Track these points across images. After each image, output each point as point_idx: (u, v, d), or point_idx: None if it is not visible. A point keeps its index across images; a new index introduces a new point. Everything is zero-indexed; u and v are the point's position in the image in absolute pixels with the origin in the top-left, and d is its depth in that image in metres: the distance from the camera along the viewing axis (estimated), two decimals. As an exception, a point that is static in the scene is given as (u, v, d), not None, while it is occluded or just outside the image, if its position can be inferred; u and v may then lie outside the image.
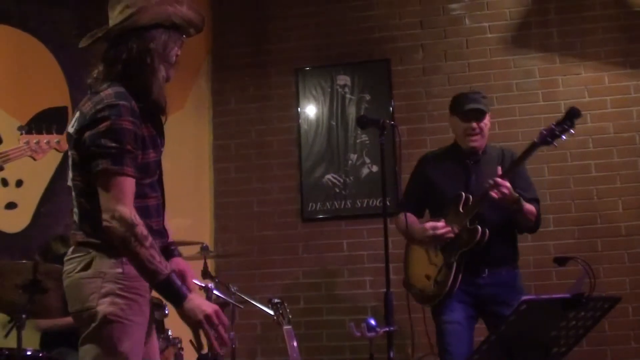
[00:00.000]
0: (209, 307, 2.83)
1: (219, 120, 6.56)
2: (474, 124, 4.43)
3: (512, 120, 6.05)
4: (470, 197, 4.33)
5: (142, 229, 2.76)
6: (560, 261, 4.73)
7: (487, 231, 4.23)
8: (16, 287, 4.08)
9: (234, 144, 6.50)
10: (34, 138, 4.33)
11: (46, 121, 5.91)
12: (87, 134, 2.83)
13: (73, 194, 3.01)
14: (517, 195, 4.27)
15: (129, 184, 2.82)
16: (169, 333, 4.82)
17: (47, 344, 5.06)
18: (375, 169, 6.18)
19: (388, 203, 4.10)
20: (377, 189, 5.98)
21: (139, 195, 2.89)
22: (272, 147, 6.40)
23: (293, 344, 4.61)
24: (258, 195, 6.39)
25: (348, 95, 6.36)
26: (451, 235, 4.31)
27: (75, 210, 3.00)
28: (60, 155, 5.97)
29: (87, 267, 2.86)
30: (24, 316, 4.09)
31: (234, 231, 6.38)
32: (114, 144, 2.79)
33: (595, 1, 6.20)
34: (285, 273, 6.20)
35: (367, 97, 6.33)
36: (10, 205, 5.76)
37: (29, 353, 4.43)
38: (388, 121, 4.06)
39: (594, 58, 6.12)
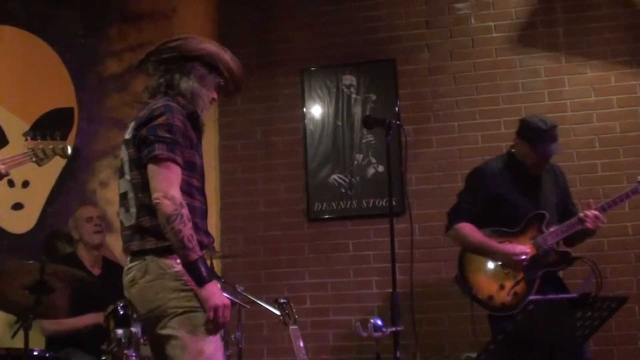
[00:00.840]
0: (220, 300, 3.11)
1: (225, 120, 6.56)
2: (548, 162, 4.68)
3: (517, 120, 6.04)
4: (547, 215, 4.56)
5: (187, 212, 3.09)
6: (568, 261, 4.77)
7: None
8: (23, 287, 4.09)
9: (239, 145, 6.50)
10: (39, 144, 4.36)
11: (52, 122, 5.95)
12: (144, 128, 3.19)
13: (130, 194, 3.25)
14: None
15: (178, 171, 3.17)
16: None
17: (53, 344, 5.07)
18: (381, 169, 6.17)
19: (394, 203, 4.10)
20: (383, 189, 5.99)
21: (187, 192, 3.22)
22: (278, 148, 6.39)
23: (299, 344, 4.61)
24: (264, 196, 6.39)
25: (354, 95, 6.35)
26: (525, 264, 4.49)
27: (132, 210, 3.24)
28: (66, 157, 5.98)
29: (146, 272, 3.17)
30: (31, 317, 4.10)
31: (240, 231, 6.38)
32: (168, 135, 3.16)
33: (601, 0, 6.19)
34: (291, 273, 6.20)
35: (373, 97, 6.32)
36: (17, 206, 5.77)
37: (35, 353, 4.45)
38: (394, 121, 4.06)
39: (600, 57, 6.11)
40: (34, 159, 4.34)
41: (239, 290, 5.06)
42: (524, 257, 4.47)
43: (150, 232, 3.17)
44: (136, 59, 6.25)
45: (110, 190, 6.21)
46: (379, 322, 3.57)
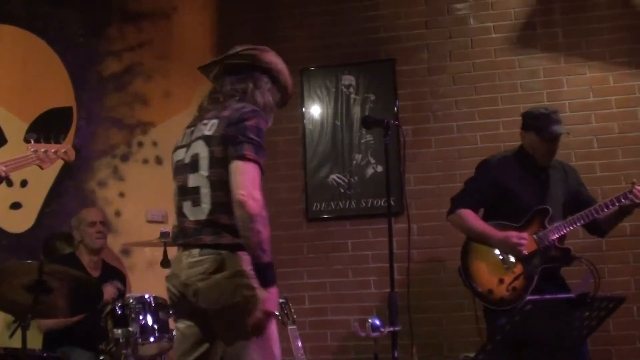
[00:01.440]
0: (273, 308, 3.29)
1: (224, 120, 6.56)
2: (556, 147, 4.65)
3: (518, 120, 5.98)
4: (551, 210, 4.55)
5: (266, 215, 3.23)
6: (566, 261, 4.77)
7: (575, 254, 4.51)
8: (21, 287, 4.09)
9: (238, 144, 6.50)
10: (42, 147, 4.37)
11: (51, 122, 5.96)
12: (233, 128, 3.31)
13: (205, 190, 3.34)
14: None
15: (260, 174, 3.31)
16: (174, 333, 4.82)
17: (50, 343, 5.07)
18: (380, 169, 6.17)
19: (392, 203, 4.11)
20: (381, 189, 5.98)
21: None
22: (277, 147, 6.39)
23: (298, 344, 4.61)
24: (263, 196, 6.37)
25: (353, 95, 6.35)
26: (525, 253, 4.49)
27: (204, 205, 3.33)
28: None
29: (222, 267, 3.24)
30: (29, 316, 4.10)
31: (238, 231, 6.37)
32: (256, 138, 3.31)
33: (600, 1, 6.20)
34: (290, 273, 6.19)
35: (372, 97, 6.32)
36: (15, 206, 5.78)
37: (33, 353, 4.45)
38: (392, 121, 4.06)
39: (598, 58, 6.11)
40: (37, 162, 4.34)
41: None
42: (522, 242, 4.47)
43: (226, 229, 3.26)
44: (136, 59, 6.31)
45: (108, 190, 6.21)
46: (377, 322, 3.57)
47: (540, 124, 4.61)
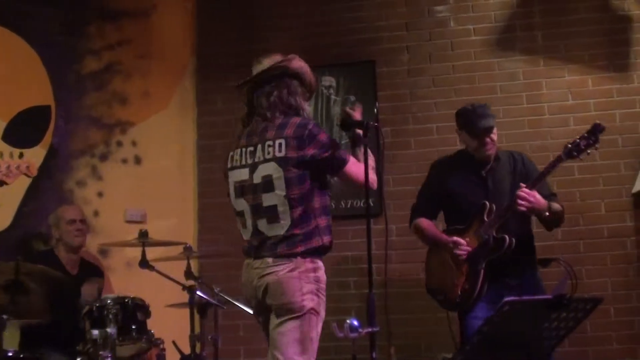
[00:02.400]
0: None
1: (204, 120, 6.54)
2: (488, 140, 4.56)
3: (497, 122, 6.03)
4: (494, 206, 4.48)
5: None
6: (543, 262, 4.79)
7: (514, 240, 4.37)
8: (-2, 287, 4.06)
9: (219, 144, 6.45)
10: (4, 163, 4.37)
11: (29, 120, 5.92)
12: (312, 150, 3.64)
13: (282, 208, 3.66)
14: (546, 202, 4.42)
15: (357, 162, 3.83)
16: (152, 334, 4.81)
17: (28, 344, 5.03)
18: (359, 170, 6.16)
19: (371, 204, 4.11)
20: (360, 190, 5.90)
21: (324, 210, 3.82)
22: (257, 148, 6.37)
23: (276, 345, 4.58)
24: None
25: (333, 96, 6.35)
26: (464, 255, 4.49)
27: (283, 222, 3.66)
28: (42, 155, 5.97)
29: (292, 270, 3.63)
30: (4, 317, 4.07)
31: (218, 232, 6.34)
32: (333, 142, 3.73)
33: (579, 5, 6.23)
34: (269, 274, 6.18)
35: (352, 98, 6.33)
36: (-8, 205, 5.74)
37: (10, 354, 4.41)
38: (372, 122, 4.06)
39: (578, 61, 6.14)
40: (2, 177, 4.34)
41: (215, 290, 5.04)
42: (459, 249, 4.48)
43: (300, 239, 3.65)
44: (115, 57, 6.28)
45: (87, 190, 6.18)
46: (355, 323, 3.57)
47: (467, 120, 4.61)
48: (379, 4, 6.48)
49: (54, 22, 6.24)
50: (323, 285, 3.78)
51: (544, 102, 6.12)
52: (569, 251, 5.59)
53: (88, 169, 6.22)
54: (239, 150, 3.86)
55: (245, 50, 6.56)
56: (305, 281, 3.64)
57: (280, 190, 3.65)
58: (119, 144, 6.31)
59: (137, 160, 6.29)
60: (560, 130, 6.04)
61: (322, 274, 3.77)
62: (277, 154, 3.66)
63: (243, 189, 3.80)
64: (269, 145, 3.69)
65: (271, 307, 3.70)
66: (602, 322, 5.67)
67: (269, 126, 3.74)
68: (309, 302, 3.66)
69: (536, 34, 6.24)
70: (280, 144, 3.66)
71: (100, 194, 6.21)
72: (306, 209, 3.66)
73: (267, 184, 3.68)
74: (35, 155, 5.98)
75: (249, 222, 3.80)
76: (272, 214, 3.68)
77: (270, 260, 3.67)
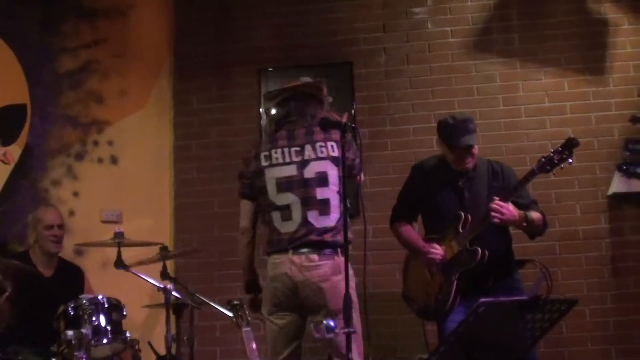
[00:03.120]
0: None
1: (180, 120, 6.51)
2: (467, 156, 4.53)
3: (473, 124, 6.10)
4: (469, 217, 4.45)
5: None
6: (519, 264, 4.80)
7: (487, 252, 4.33)
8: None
9: (195, 144, 6.46)
10: None
11: (4, 118, 5.88)
12: (350, 155, 4.21)
13: (334, 202, 4.12)
14: (522, 213, 4.40)
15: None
16: (127, 334, 4.77)
17: (1, 344, 4.99)
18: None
19: (348, 205, 4.09)
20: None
21: None
22: (234, 148, 6.35)
23: (252, 346, 4.57)
24: (219, 196, 6.34)
25: (310, 97, 6.34)
26: (438, 265, 4.49)
27: (333, 215, 4.10)
28: (18, 154, 5.92)
29: (338, 271, 4.01)
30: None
31: (194, 232, 6.33)
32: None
33: (556, 8, 6.27)
34: (245, 274, 6.17)
35: (329, 99, 6.31)
36: (-34, 205, 5.70)
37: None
38: (349, 123, 4.06)
39: (554, 64, 6.18)
40: None
41: (191, 291, 5.02)
42: (433, 256, 4.48)
43: (340, 231, 3.99)
44: (92, 56, 6.25)
45: (62, 189, 6.14)
46: (332, 324, 3.56)
47: (447, 133, 4.55)
48: (357, 5, 6.49)
49: (30, 20, 6.20)
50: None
51: (521, 105, 6.15)
52: (545, 253, 5.62)
53: (64, 168, 6.18)
54: (279, 149, 4.20)
55: (222, 50, 6.55)
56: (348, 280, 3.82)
57: (334, 186, 4.11)
58: (95, 143, 6.27)
59: (113, 160, 6.25)
60: (537, 132, 6.08)
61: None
62: (332, 154, 4.15)
63: (290, 183, 4.15)
64: (320, 146, 4.16)
65: (320, 307, 4.06)
66: (577, 323, 5.71)
67: (313, 131, 4.20)
68: (355, 297, 3.92)
69: (513, 37, 6.27)
70: (332, 146, 4.15)
71: (75, 194, 6.17)
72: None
73: (322, 179, 4.12)
74: (11, 154, 5.95)
75: (297, 214, 4.11)
76: (324, 206, 4.09)
77: (314, 256, 4.07)
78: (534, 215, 4.50)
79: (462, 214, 4.47)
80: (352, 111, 6.27)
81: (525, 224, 4.44)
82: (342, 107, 6.28)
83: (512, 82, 6.20)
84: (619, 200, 5.94)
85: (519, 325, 3.34)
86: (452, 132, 4.52)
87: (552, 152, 4.28)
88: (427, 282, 4.56)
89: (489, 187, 4.58)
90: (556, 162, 4.27)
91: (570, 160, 4.28)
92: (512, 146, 6.01)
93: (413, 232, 4.77)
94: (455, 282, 4.40)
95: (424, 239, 4.69)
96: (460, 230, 4.45)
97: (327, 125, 4.19)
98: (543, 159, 4.29)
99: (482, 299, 3.21)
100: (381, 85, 6.35)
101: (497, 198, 4.34)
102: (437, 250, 4.50)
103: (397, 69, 6.36)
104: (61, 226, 5.51)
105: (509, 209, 4.33)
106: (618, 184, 5.87)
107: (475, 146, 4.56)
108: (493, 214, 4.30)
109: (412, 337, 5.72)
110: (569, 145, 4.26)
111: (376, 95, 6.33)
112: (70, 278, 5.55)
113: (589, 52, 6.17)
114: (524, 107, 6.15)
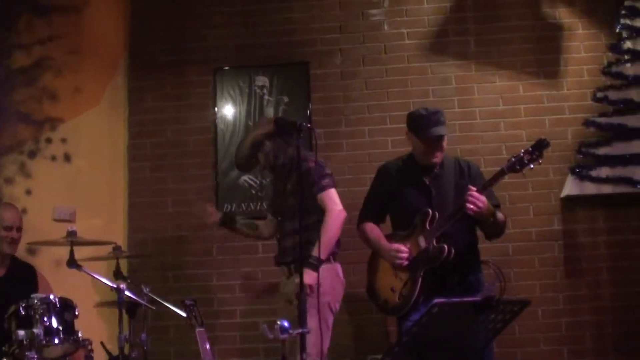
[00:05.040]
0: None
1: (135, 118, 6.45)
2: (437, 147, 4.53)
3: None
4: (436, 213, 4.44)
5: None
6: (473, 264, 4.82)
7: (452, 250, 4.34)
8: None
9: (149, 143, 6.41)
10: None
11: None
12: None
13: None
14: (492, 209, 4.42)
15: None
16: (79, 335, 4.72)
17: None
18: (292, 171, 6.16)
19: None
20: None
21: None
22: (189, 147, 6.33)
23: (206, 347, 4.55)
24: (173, 195, 6.31)
25: (266, 97, 6.33)
26: (404, 263, 4.46)
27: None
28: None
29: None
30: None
31: (148, 231, 6.28)
32: None
33: (512, 12, 6.33)
34: (199, 275, 6.15)
35: (285, 99, 6.32)
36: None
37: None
38: (305, 124, 4.06)
39: (509, 67, 6.24)
40: None
41: (145, 291, 4.97)
42: (399, 254, 4.47)
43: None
44: (46, 53, 6.19)
45: (15, 187, 6.07)
46: (286, 324, 3.56)
47: (419, 125, 4.55)
48: (314, 6, 6.49)
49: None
50: None
51: (475, 107, 6.20)
52: (498, 254, 5.66)
53: (16, 166, 6.10)
54: None
55: (178, 48, 6.51)
56: None
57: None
58: (49, 140, 6.20)
59: (67, 158, 6.19)
60: (491, 134, 6.13)
61: None
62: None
63: None
64: None
65: None
66: (530, 324, 5.77)
67: None
68: None
69: (469, 40, 6.32)
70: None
71: (28, 192, 6.10)
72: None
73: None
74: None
75: None
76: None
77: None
78: (500, 215, 4.54)
79: (429, 210, 4.48)
80: (308, 111, 6.27)
81: (492, 220, 4.45)
82: (298, 107, 6.29)
83: (467, 85, 6.25)
84: (572, 202, 6.01)
85: (472, 326, 3.37)
86: (424, 122, 4.52)
87: (522, 152, 4.32)
88: (392, 278, 4.56)
89: (456, 185, 4.58)
90: (526, 162, 4.30)
91: (540, 161, 4.32)
92: (467, 148, 6.05)
93: (378, 233, 4.74)
94: (419, 279, 4.40)
95: (390, 235, 4.69)
96: (428, 227, 4.46)
97: (282, 126, 4.19)
98: (513, 159, 4.33)
99: (436, 300, 3.23)
100: (337, 86, 6.36)
101: (474, 188, 4.33)
102: (403, 255, 4.49)
103: (353, 70, 6.37)
104: (20, 229, 5.45)
105: (484, 202, 4.32)
106: (571, 187, 5.93)
107: (445, 138, 4.57)
108: (469, 205, 4.27)
109: (364, 337, 5.77)
110: (540, 146, 4.30)
111: (332, 96, 6.34)
112: (24, 277, 5.48)
113: (543, 56, 6.23)
114: (479, 110, 6.20)
